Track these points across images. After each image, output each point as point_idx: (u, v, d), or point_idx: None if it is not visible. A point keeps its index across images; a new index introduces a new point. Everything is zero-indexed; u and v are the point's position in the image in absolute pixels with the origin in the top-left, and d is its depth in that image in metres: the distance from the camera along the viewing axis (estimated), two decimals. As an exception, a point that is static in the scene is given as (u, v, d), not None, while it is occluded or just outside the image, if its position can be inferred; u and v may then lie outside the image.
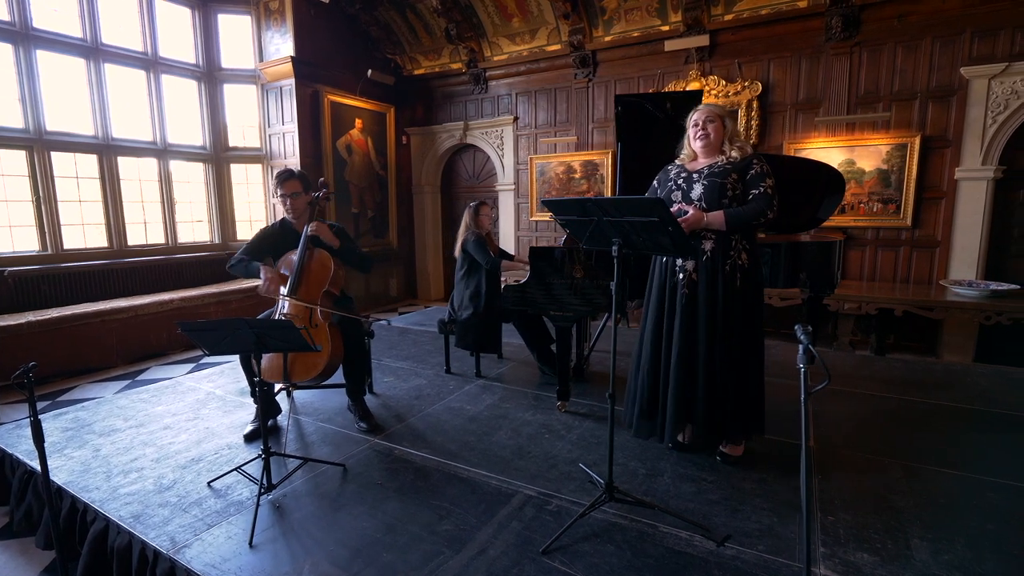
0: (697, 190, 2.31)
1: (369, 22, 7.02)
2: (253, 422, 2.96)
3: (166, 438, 2.89)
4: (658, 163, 2.59)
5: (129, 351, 5.11)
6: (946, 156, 4.79)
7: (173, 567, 1.89)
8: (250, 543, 1.96)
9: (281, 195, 2.94)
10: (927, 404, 3.23)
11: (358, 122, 7.10)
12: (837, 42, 5.01)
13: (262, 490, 2.18)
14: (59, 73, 5.25)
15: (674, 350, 2.34)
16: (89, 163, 5.49)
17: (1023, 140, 4.57)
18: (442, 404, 3.32)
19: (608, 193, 6.20)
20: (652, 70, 5.91)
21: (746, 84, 5.43)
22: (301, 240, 2.84)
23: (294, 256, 2.85)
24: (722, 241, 2.28)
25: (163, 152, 6.05)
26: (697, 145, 2.37)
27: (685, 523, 2.02)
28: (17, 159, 5.00)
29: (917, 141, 4.80)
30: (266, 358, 2.69)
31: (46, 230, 5.16)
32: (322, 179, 3.20)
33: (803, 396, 1.27)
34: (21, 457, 2.66)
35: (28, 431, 2.62)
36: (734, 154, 2.30)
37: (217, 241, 6.61)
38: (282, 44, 6.34)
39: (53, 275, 5.08)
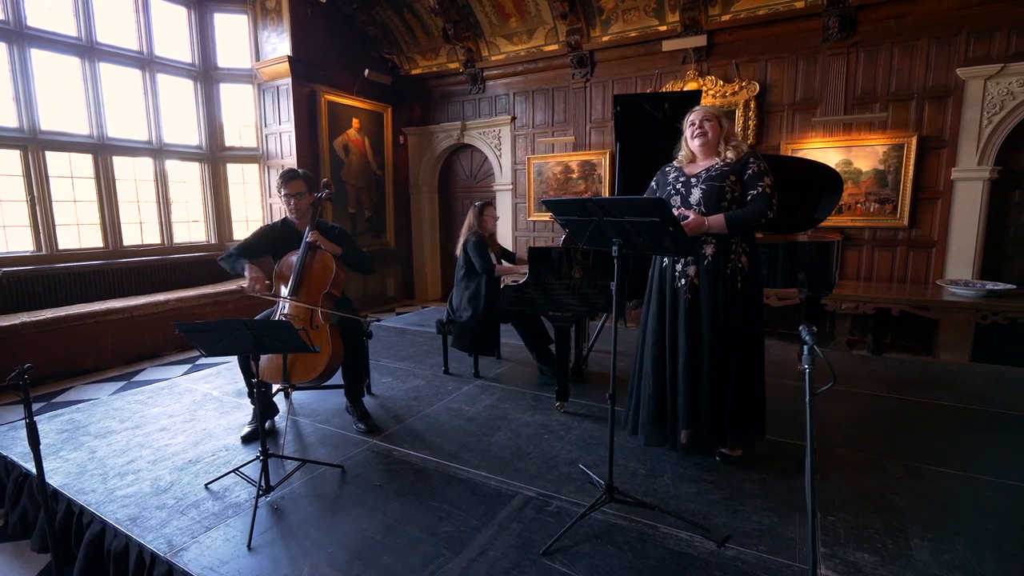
0: (695, 195, 2.30)
1: (366, 21, 7.00)
2: (250, 423, 2.94)
3: (163, 440, 2.87)
4: (656, 163, 2.59)
5: (125, 352, 5.08)
6: (942, 156, 4.81)
7: (171, 570, 1.87)
8: (248, 545, 1.94)
9: (285, 195, 2.92)
10: (925, 404, 3.24)
11: (355, 122, 7.08)
12: (834, 43, 5.02)
13: (260, 492, 2.17)
14: (54, 72, 5.22)
15: (680, 356, 2.33)
16: (84, 163, 5.46)
17: (1018, 141, 4.60)
18: (441, 405, 3.31)
19: (606, 193, 6.20)
20: (650, 70, 5.92)
21: (743, 84, 5.44)
22: (302, 243, 2.82)
23: (295, 257, 2.84)
24: (722, 245, 2.28)
25: (159, 152, 6.01)
26: (695, 144, 2.36)
27: (685, 524, 2.01)
28: (11, 159, 4.96)
29: (914, 141, 4.82)
30: (265, 358, 2.68)
31: (41, 230, 5.12)
32: (325, 180, 3.19)
33: (808, 397, 1.27)
34: (16, 459, 2.64)
35: (23, 433, 2.61)
36: (729, 155, 2.30)
37: (213, 241, 6.58)
38: (279, 43, 6.32)
39: (48, 275, 5.05)
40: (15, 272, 4.83)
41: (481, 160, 7.56)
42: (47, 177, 5.15)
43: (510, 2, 6.21)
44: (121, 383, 4.52)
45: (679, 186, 2.37)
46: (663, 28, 5.68)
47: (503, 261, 3.93)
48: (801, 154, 5.02)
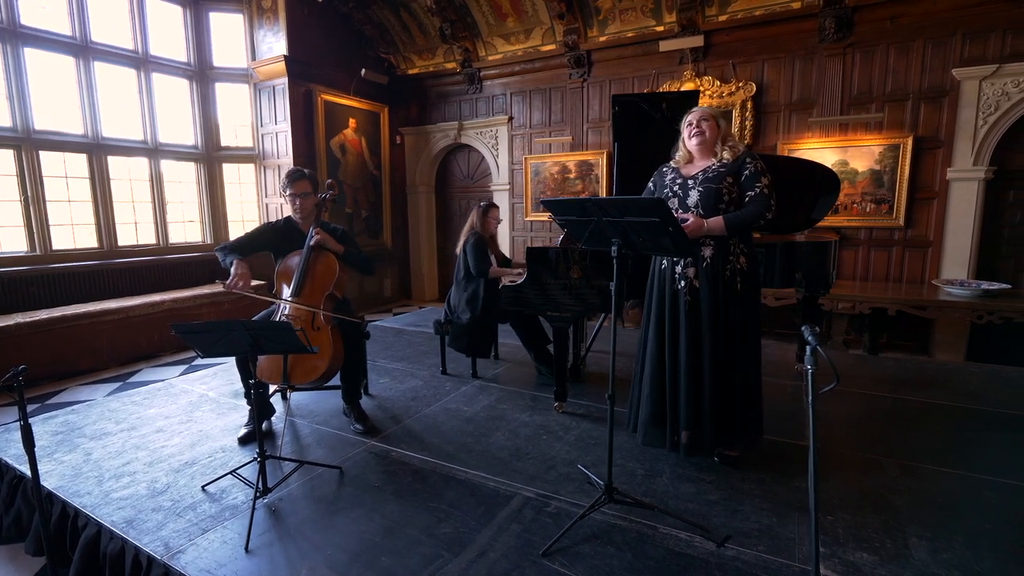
0: (693, 197, 2.30)
1: (363, 21, 6.98)
2: (247, 425, 2.93)
3: (159, 441, 2.85)
4: (654, 163, 2.59)
5: (120, 353, 5.05)
6: (938, 157, 4.83)
7: (167, 573, 1.86)
8: (246, 548, 1.93)
9: (290, 194, 2.91)
10: (921, 403, 3.25)
11: (352, 122, 7.06)
12: (830, 43, 5.04)
13: (257, 494, 2.15)
14: (48, 71, 5.18)
15: (681, 358, 2.33)
16: (78, 162, 5.42)
17: (1014, 141, 4.62)
18: (439, 405, 3.30)
19: (603, 193, 6.20)
20: (647, 70, 5.92)
21: (740, 85, 5.45)
22: (305, 245, 2.81)
23: (297, 257, 2.82)
24: (721, 246, 2.28)
25: (154, 151, 5.98)
26: (692, 144, 2.36)
27: (685, 524, 2.01)
28: (5, 158, 4.92)
29: (909, 142, 4.84)
30: (265, 358, 2.66)
31: (35, 230, 5.08)
32: (330, 181, 3.18)
33: (810, 398, 1.26)
34: (10, 461, 2.61)
35: (18, 435, 2.57)
36: (726, 155, 2.30)
37: (209, 241, 6.55)
38: (275, 43, 6.29)
39: (42, 276, 5.01)
40: (9, 273, 4.79)
41: (478, 160, 7.55)
42: (41, 177, 5.11)
43: (507, 2, 6.21)
44: (117, 384, 4.49)
45: (676, 188, 2.37)
46: (660, 28, 5.69)
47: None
48: (797, 155, 5.03)
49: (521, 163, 6.87)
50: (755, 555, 1.85)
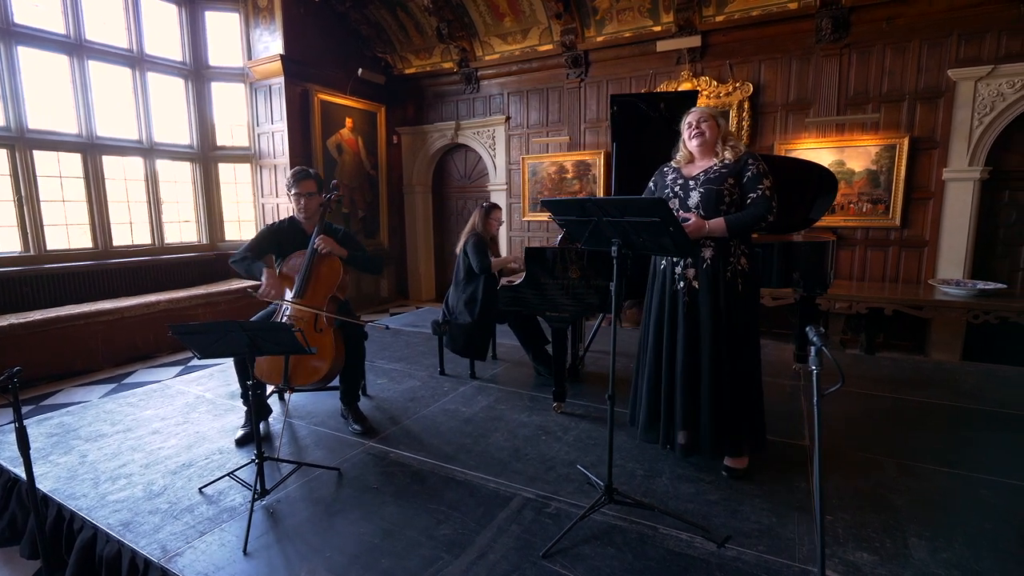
0: (694, 198, 2.29)
1: (359, 20, 6.96)
2: (244, 426, 2.91)
3: (155, 443, 2.83)
4: (653, 163, 2.58)
5: (115, 354, 5.01)
6: (934, 157, 4.85)
7: (165, 576, 1.85)
8: (244, 550, 1.92)
9: (295, 194, 2.89)
10: (919, 402, 3.26)
11: (348, 121, 7.04)
12: (827, 44, 5.05)
13: (255, 496, 2.14)
14: (42, 70, 5.13)
15: (679, 358, 2.32)
16: (73, 162, 5.38)
17: (1009, 141, 4.65)
18: (437, 406, 3.29)
19: (601, 192, 6.20)
20: (644, 70, 5.92)
21: (737, 85, 5.45)
22: (309, 246, 2.79)
23: (300, 258, 2.80)
24: (722, 247, 2.27)
25: (149, 151, 5.94)
26: (693, 145, 2.36)
27: (685, 524, 2.01)
28: (-2, 158, 4.88)
29: (905, 142, 4.85)
30: (265, 358, 2.64)
31: (28, 230, 5.04)
32: (334, 181, 3.16)
33: (816, 399, 1.27)
34: (5, 464, 2.59)
35: (12, 437, 2.55)
36: (727, 155, 2.29)
37: (205, 241, 6.51)
38: (271, 42, 6.26)
39: (36, 276, 4.97)
40: (3, 273, 4.75)
41: (475, 160, 7.53)
42: (35, 177, 5.06)
43: (504, 2, 6.20)
44: (112, 385, 4.46)
45: (677, 189, 2.36)
46: (657, 29, 5.69)
47: None
48: (794, 155, 5.04)
49: (518, 163, 6.87)
50: (755, 555, 1.85)
